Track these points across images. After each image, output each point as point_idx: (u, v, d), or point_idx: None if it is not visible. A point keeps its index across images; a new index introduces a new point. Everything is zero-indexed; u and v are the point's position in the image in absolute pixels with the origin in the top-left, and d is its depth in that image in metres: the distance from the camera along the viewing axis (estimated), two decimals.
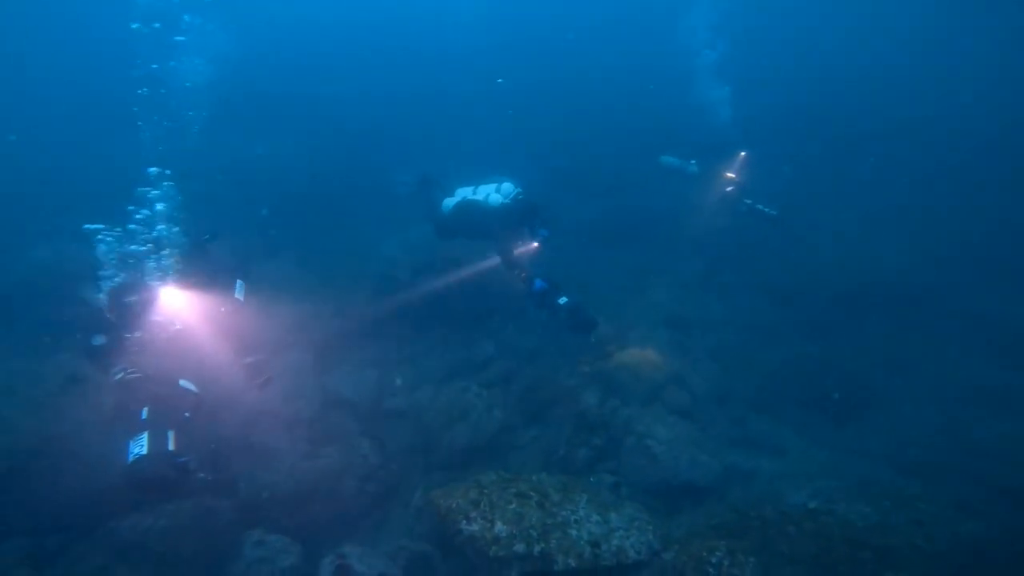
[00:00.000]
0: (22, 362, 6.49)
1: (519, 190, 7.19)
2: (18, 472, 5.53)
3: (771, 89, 15.14)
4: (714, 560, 4.51)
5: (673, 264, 9.85)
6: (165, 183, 5.74)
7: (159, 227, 5.52)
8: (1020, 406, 6.85)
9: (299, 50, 21.15)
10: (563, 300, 6.74)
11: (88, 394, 5.73)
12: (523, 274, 6.79)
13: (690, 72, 12.87)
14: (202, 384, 5.17)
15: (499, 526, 4.66)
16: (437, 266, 8.55)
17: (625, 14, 23.37)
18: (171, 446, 4.51)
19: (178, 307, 5.29)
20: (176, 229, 5.58)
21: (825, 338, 8.45)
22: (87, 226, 5.32)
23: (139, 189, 5.62)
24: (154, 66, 8.36)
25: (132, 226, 5.44)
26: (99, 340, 4.96)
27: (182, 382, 5.02)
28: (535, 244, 7.12)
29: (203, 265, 5.75)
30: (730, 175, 9.45)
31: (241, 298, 5.73)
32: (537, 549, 4.53)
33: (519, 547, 4.53)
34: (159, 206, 5.60)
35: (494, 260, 7.21)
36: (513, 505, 4.87)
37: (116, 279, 5.28)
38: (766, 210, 9.17)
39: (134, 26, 8.48)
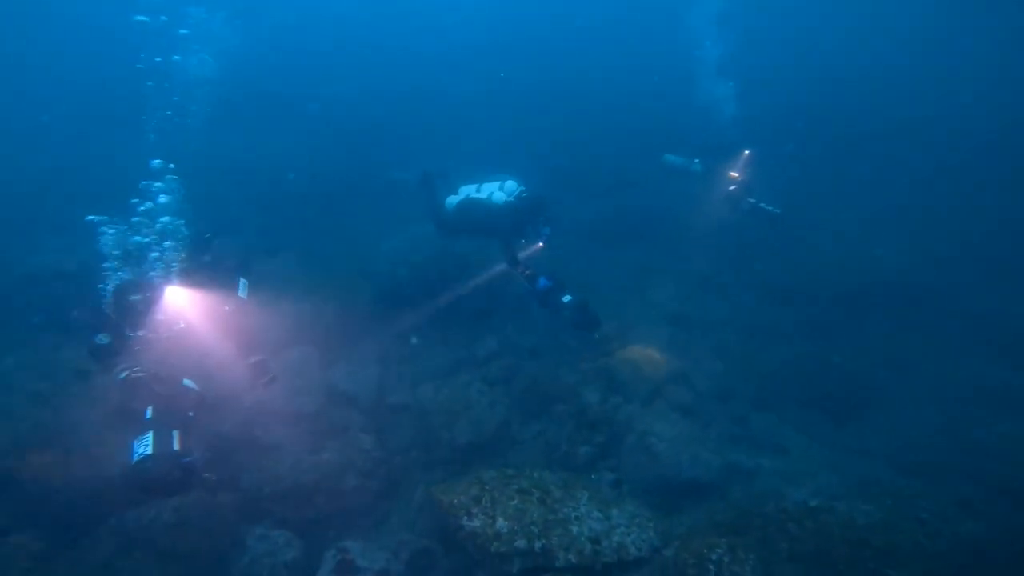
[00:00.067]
0: (28, 356, 6.53)
1: (523, 188, 7.20)
2: (24, 466, 5.55)
3: (772, 89, 15.12)
4: (715, 557, 4.53)
5: (675, 263, 9.86)
6: (168, 176, 5.74)
7: (163, 218, 5.51)
8: (1021, 406, 6.87)
9: (300, 48, 21.14)
10: (567, 298, 6.77)
11: (93, 388, 5.75)
12: (527, 272, 6.81)
13: (692, 70, 12.86)
14: (205, 383, 5.18)
15: (500, 522, 4.68)
16: (440, 266, 8.56)
17: (627, 12, 23.35)
18: (176, 446, 4.49)
19: (182, 306, 5.29)
20: (180, 222, 5.58)
21: (826, 337, 8.46)
22: (90, 217, 5.33)
23: (143, 182, 5.62)
24: (157, 59, 8.33)
25: (136, 218, 5.45)
26: (103, 339, 4.92)
27: (186, 381, 5.01)
28: (540, 244, 7.14)
29: (205, 263, 5.75)
30: (734, 174, 9.43)
31: (245, 297, 5.73)
32: (538, 545, 4.56)
33: (520, 543, 4.55)
34: (162, 198, 5.60)
35: (501, 267, 7.20)
36: (514, 501, 4.89)
37: (119, 272, 5.28)
38: (769, 208, 9.15)
39: (139, 18, 8.44)
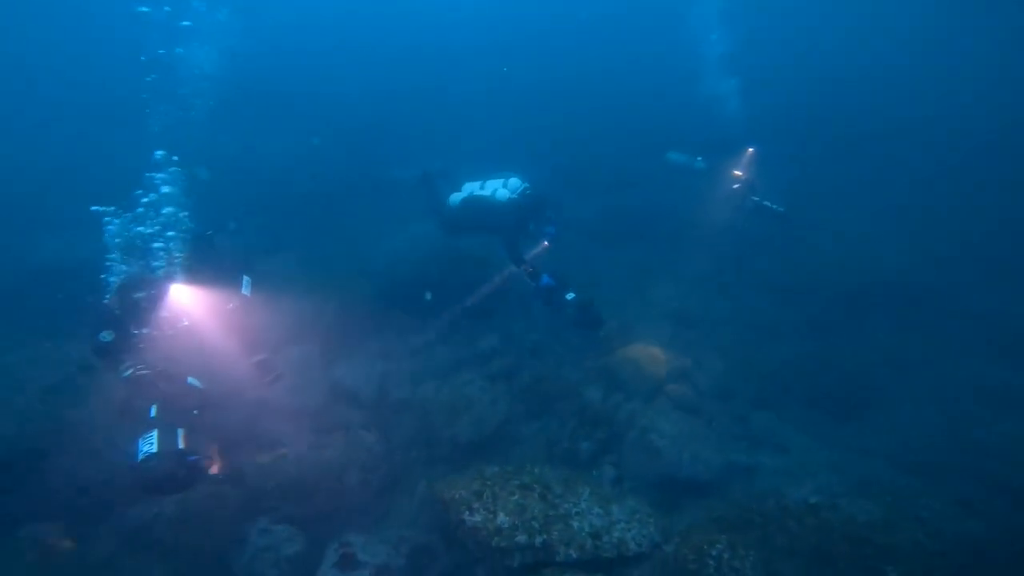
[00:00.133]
0: (34, 352, 6.55)
1: (527, 185, 7.21)
2: (30, 460, 5.59)
3: (773, 88, 15.12)
4: (714, 553, 4.56)
5: (677, 261, 9.86)
6: (171, 169, 5.75)
7: (166, 209, 5.52)
8: (1021, 405, 6.87)
9: (302, 46, 21.13)
10: (570, 296, 6.79)
11: (98, 384, 5.76)
12: (530, 270, 6.83)
13: (696, 66, 12.85)
14: (210, 380, 5.19)
15: (501, 517, 4.71)
16: (442, 263, 8.59)
17: (628, 9, 23.32)
18: (181, 444, 4.51)
19: (186, 303, 5.31)
20: (184, 214, 5.60)
21: (828, 336, 8.48)
22: (94, 208, 5.34)
23: (146, 175, 5.63)
24: (161, 52, 8.32)
25: (140, 209, 5.46)
26: (107, 336, 4.94)
27: (190, 379, 5.03)
28: (546, 244, 7.16)
29: (208, 261, 5.76)
30: (737, 172, 9.40)
31: (248, 294, 5.74)
32: (539, 540, 4.59)
33: (521, 538, 4.58)
34: (165, 188, 5.60)
35: (510, 269, 7.21)
36: (515, 497, 4.92)
37: (123, 264, 5.29)
38: (773, 207, 9.12)
39: (142, 9, 8.40)
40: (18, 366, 6.39)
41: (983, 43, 19.02)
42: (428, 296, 7.42)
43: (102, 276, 5.28)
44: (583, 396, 6.91)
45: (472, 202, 7.42)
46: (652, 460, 6.07)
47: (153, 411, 4.65)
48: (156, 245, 5.39)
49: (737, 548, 4.62)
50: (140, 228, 5.40)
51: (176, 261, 5.43)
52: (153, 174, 5.66)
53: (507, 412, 6.73)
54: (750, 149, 9.56)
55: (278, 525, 5.39)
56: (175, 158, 5.80)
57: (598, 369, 7.27)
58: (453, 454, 6.33)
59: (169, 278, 5.34)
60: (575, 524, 4.77)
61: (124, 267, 5.29)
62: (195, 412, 4.91)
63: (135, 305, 5.12)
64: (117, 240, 5.31)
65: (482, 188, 7.44)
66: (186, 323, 5.31)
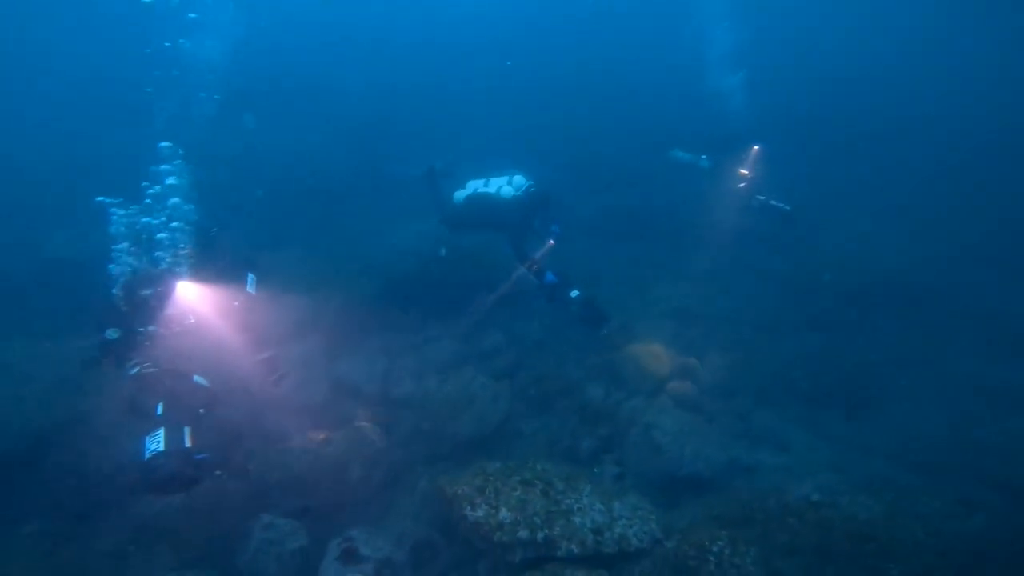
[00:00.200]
0: (40, 346, 6.60)
1: (531, 183, 7.23)
2: (37, 453, 5.64)
3: (778, 86, 15.07)
4: (715, 549, 4.56)
5: (680, 259, 9.87)
6: (177, 161, 5.77)
7: (172, 199, 5.54)
8: (1023, 404, 6.88)
9: (305, 41, 21.14)
10: (574, 293, 6.81)
11: (105, 378, 5.79)
12: (534, 267, 6.85)
13: (701, 62, 12.80)
14: (216, 378, 5.19)
15: (503, 512, 4.73)
16: (445, 260, 8.63)
17: (632, 4, 23.24)
18: (188, 442, 4.50)
19: (192, 300, 5.32)
20: (190, 206, 5.62)
21: (830, 335, 8.47)
22: (100, 198, 5.36)
23: (152, 167, 5.65)
24: (167, 44, 8.30)
25: (147, 200, 5.48)
26: (113, 334, 4.95)
27: (196, 377, 5.02)
28: (551, 243, 7.18)
29: (212, 258, 5.78)
30: (743, 171, 9.35)
31: (253, 292, 5.75)
32: (540, 535, 4.60)
33: (523, 533, 4.59)
34: (171, 179, 5.62)
35: (519, 271, 7.23)
36: (517, 492, 4.94)
37: (128, 256, 5.30)
38: (780, 205, 9.07)
39: (146, 0, 8.37)
40: (25, 360, 6.44)
41: (985, 43, 18.94)
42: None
43: (109, 266, 5.28)
44: (585, 393, 6.94)
45: (476, 199, 7.44)
46: (654, 457, 6.09)
47: (159, 409, 4.64)
48: (161, 235, 5.39)
49: (738, 545, 4.63)
50: (147, 219, 5.41)
51: (181, 255, 5.44)
52: (159, 166, 5.67)
53: (509, 409, 6.76)
54: (755, 147, 9.50)
55: (281, 519, 5.42)
56: (180, 151, 5.82)
57: (600, 366, 7.29)
58: (455, 450, 6.35)
59: (175, 275, 5.35)
60: (577, 520, 4.78)
61: (130, 259, 5.29)
62: (201, 411, 4.89)
63: (142, 302, 5.12)
64: (123, 230, 5.32)
65: (486, 185, 7.46)
66: (192, 320, 5.32)
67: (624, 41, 21.26)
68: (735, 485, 5.90)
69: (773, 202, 9.10)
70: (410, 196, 9.46)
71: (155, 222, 5.41)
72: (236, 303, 5.60)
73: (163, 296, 5.18)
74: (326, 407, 6.70)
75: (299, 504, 5.61)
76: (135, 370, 4.87)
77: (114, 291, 5.23)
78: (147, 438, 4.42)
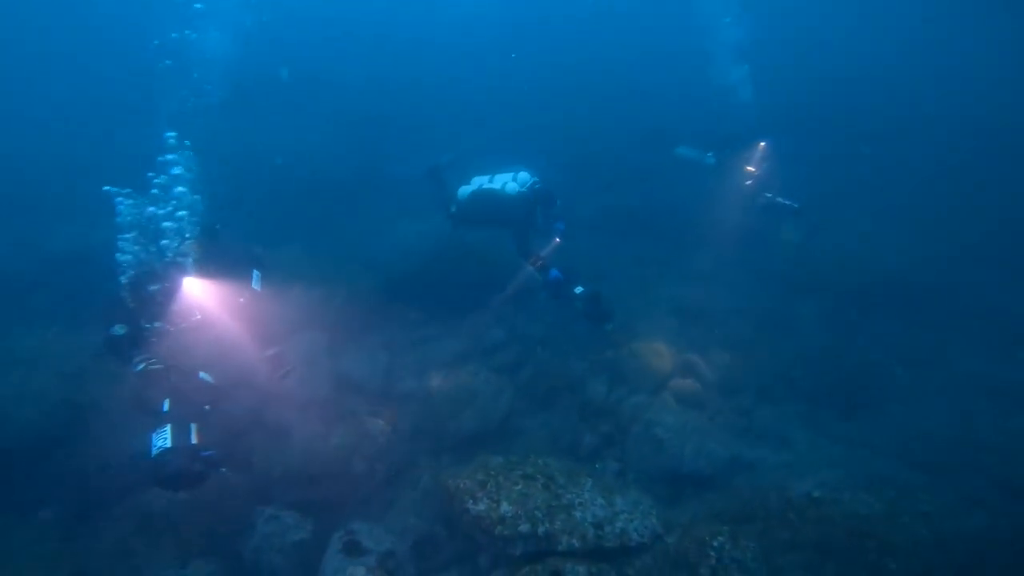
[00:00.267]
0: (51, 335, 6.68)
1: (536, 179, 7.24)
2: (45, 445, 5.70)
3: (786, 81, 14.97)
4: (716, 544, 4.58)
5: (684, 256, 9.84)
6: (184, 152, 5.80)
7: (178, 188, 5.57)
8: None
9: (308, 37, 21.16)
10: (579, 290, 6.82)
11: (112, 371, 5.84)
12: (539, 263, 6.86)
13: (706, 57, 12.72)
14: (221, 374, 5.22)
15: (505, 506, 4.75)
16: (449, 256, 8.65)
17: (638, 2, 23.12)
18: (194, 439, 4.52)
19: (198, 296, 5.35)
20: (197, 197, 5.65)
21: (835, 332, 8.44)
22: (106, 188, 5.41)
23: (159, 158, 5.68)
24: (174, 35, 8.32)
25: (154, 190, 5.52)
26: (120, 330, 4.95)
27: (202, 374, 5.05)
28: (557, 240, 7.18)
29: (216, 254, 5.80)
30: (750, 168, 9.27)
31: (258, 288, 5.78)
32: (541, 529, 4.63)
33: (524, 527, 4.62)
34: (176, 170, 5.66)
35: (527, 271, 7.24)
36: (519, 487, 4.96)
37: (136, 245, 5.33)
38: (787, 203, 8.98)
39: None
40: (33, 352, 6.51)
41: (988, 42, 18.76)
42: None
43: (116, 255, 5.32)
44: (587, 390, 6.96)
45: (481, 195, 7.45)
46: (655, 454, 6.10)
47: (166, 406, 4.67)
48: (167, 224, 5.43)
49: (739, 540, 4.65)
50: (152, 208, 5.45)
51: (186, 248, 5.47)
52: (165, 156, 5.71)
53: (511, 405, 6.77)
54: (762, 143, 9.42)
55: (285, 512, 5.48)
56: (187, 142, 5.86)
57: (603, 363, 7.29)
58: (457, 445, 6.38)
59: (181, 270, 5.37)
60: (578, 514, 4.81)
61: (136, 248, 5.31)
62: (207, 407, 4.91)
63: (149, 298, 5.13)
64: (128, 218, 5.35)
65: (491, 182, 7.47)
66: (199, 316, 5.34)
67: (626, 37, 21.17)
68: (736, 482, 5.88)
69: (780, 199, 9.03)
70: (412, 193, 9.47)
71: (161, 212, 5.44)
72: (241, 299, 5.63)
73: (170, 292, 5.19)
74: (329, 402, 6.73)
75: (302, 497, 5.65)
76: (141, 366, 4.89)
77: (122, 279, 5.23)
78: (153, 435, 4.45)
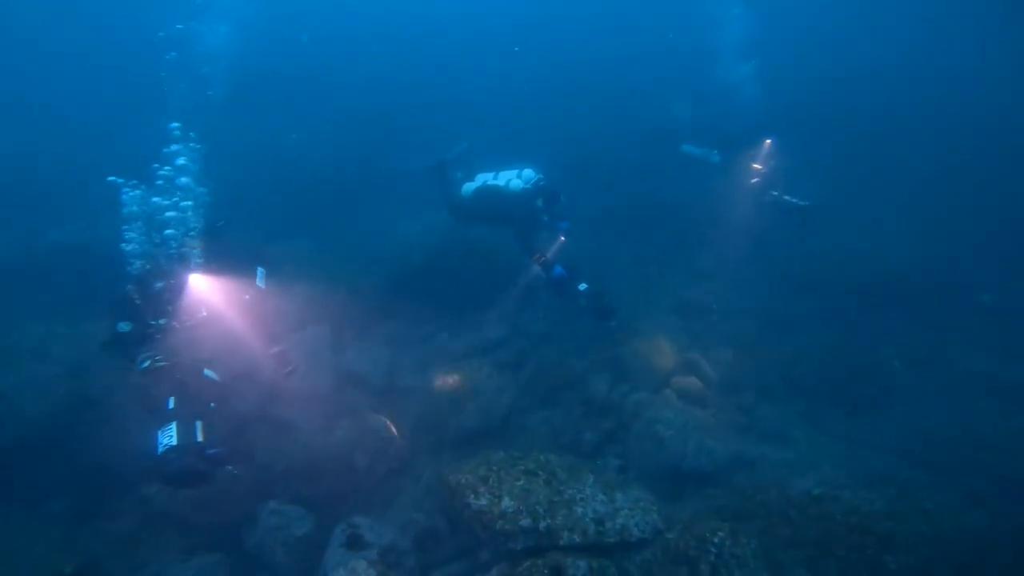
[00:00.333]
0: (59, 327, 6.73)
1: (541, 176, 7.24)
2: (55, 437, 5.75)
3: (794, 77, 14.89)
4: (716, 540, 4.59)
5: (688, 253, 9.85)
6: (190, 143, 5.83)
7: (182, 179, 5.59)
8: None
9: (314, 34, 21.17)
10: (583, 287, 6.83)
11: (119, 365, 5.87)
12: (543, 260, 6.88)
13: (712, 53, 12.65)
14: (225, 371, 5.25)
15: (506, 501, 4.78)
16: (453, 252, 8.67)
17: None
18: (200, 437, 4.53)
19: (204, 293, 5.37)
20: (203, 189, 5.67)
21: (838, 330, 8.43)
22: (111, 178, 5.43)
23: (164, 149, 5.71)
24: (179, 26, 8.31)
25: (159, 182, 5.55)
26: (125, 327, 4.96)
27: (206, 372, 5.06)
28: (562, 239, 7.19)
29: (220, 251, 5.84)
30: (757, 166, 9.20)
31: (263, 286, 5.80)
32: (543, 524, 4.65)
33: (525, 522, 4.64)
34: (181, 160, 5.68)
35: (534, 271, 7.24)
36: (521, 482, 4.98)
37: (140, 234, 5.35)
38: (794, 201, 8.91)
39: None
40: (41, 345, 6.55)
41: (994, 42, 18.62)
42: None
43: (121, 245, 5.34)
44: (589, 387, 6.99)
45: (485, 192, 7.45)
46: (657, 450, 6.11)
47: (171, 403, 4.68)
48: (170, 214, 5.45)
49: (739, 537, 4.66)
50: (156, 199, 5.47)
51: (192, 246, 5.50)
52: (170, 147, 5.74)
53: (514, 401, 6.81)
54: (768, 141, 9.34)
55: (288, 506, 5.52)
56: (192, 134, 5.89)
57: (605, 360, 7.32)
58: (460, 441, 6.42)
59: (187, 267, 5.40)
60: (579, 510, 4.82)
61: (142, 238, 5.33)
62: (212, 405, 4.93)
63: (156, 295, 5.15)
64: (133, 208, 5.37)
65: (496, 178, 7.47)
66: (205, 313, 5.36)
67: (631, 33, 21.08)
68: (737, 479, 5.91)
69: (787, 197, 8.95)
70: (415, 190, 9.48)
71: (166, 202, 5.47)
72: (247, 297, 5.66)
73: (176, 289, 5.22)
74: (332, 397, 6.77)
75: (305, 492, 5.69)
76: (146, 363, 4.89)
77: (129, 270, 5.26)
78: (159, 432, 4.46)
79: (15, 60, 19.27)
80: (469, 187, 7.63)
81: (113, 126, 13.30)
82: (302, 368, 6.05)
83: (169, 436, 4.43)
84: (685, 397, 6.88)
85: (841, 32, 20.64)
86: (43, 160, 12.47)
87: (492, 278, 8.18)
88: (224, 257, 5.68)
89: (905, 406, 7.11)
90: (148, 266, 5.38)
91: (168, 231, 5.39)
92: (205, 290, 5.36)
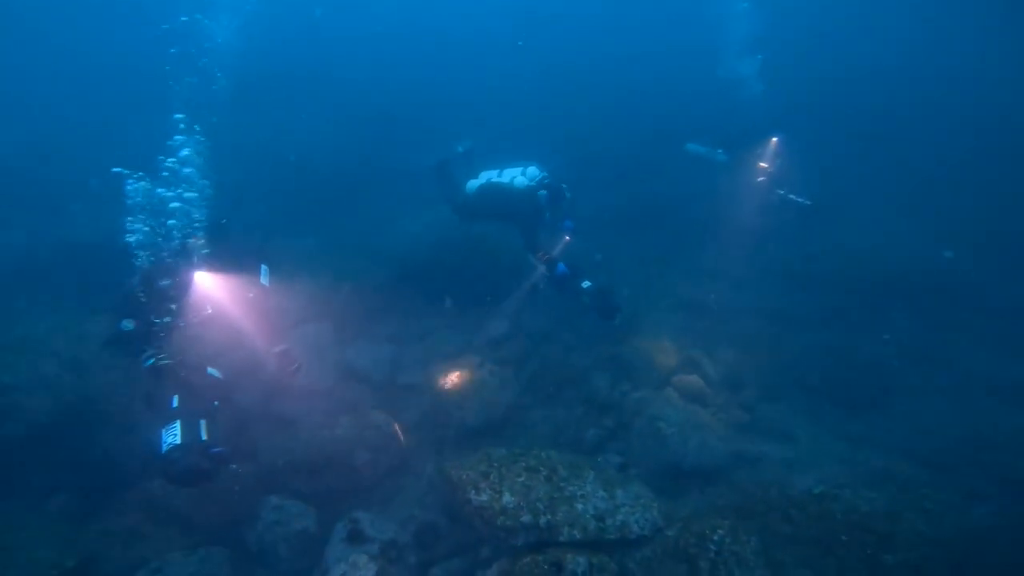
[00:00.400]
0: (63, 322, 6.75)
1: (545, 174, 7.25)
2: (60, 431, 5.78)
3: (799, 74, 14.85)
4: (716, 538, 4.60)
5: (691, 251, 9.84)
6: (194, 136, 5.84)
7: (187, 170, 5.60)
8: None
9: (318, 32, 21.18)
10: (586, 284, 6.84)
11: (124, 360, 5.88)
12: (546, 257, 6.88)
13: (718, 50, 12.64)
14: (229, 369, 5.23)
15: (507, 497, 4.78)
16: (457, 249, 8.68)
17: None
18: (204, 435, 4.53)
19: (209, 291, 5.38)
20: (206, 182, 5.68)
21: (842, 329, 8.43)
22: (116, 169, 5.44)
23: (168, 141, 5.72)
24: (184, 19, 8.30)
25: (164, 174, 5.56)
26: (128, 325, 4.95)
27: (210, 370, 5.05)
28: (567, 239, 7.20)
29: (224, 248, 5.83)
30: (763, 165, 9.18)
31: (266, 284, 5.81)
32: (543, 520, 4.66)
33: (526, 518, 4.65)
34: (185, 151, 5.68)
35: (540, 271, 7.26)
36: (522, 478, 4.99)
37: (145, 226, 5.35)
38: (799, 200, 8.91)
39: None
40: (48, 336, 6.57)
41: (994, 41, 18.53)
42: (448, 303, 7.58)
43: (126, 237, 5.35)
44: (591, 384, 6.99)
45: (489, 189, 7.46)
46: (658, 448, 6.12)
47: (175, 401, 4.68)
48: (174, 205, 5.45)
49: (739, 534, 4.66)
50: (161, 190, 5.48)
51: (196, 243, 5.52)
52: (174, 138, 5.74)
53: (516, 398, 6.82)
54: (774, 139, 9.33)
55: (289, 501, 5.54)
56: (197, 127, 5.90)
57: (607, 358, 7.32)
58: (461, 437, 6.43)
59: (192, 264, 5.39)
60: (579, 506, 4.84)
61: (146, 229, 5.34)
62: (216, 403, 4.92)
63: (160, 293, 5.15)
64: (138, 200, 5.37)
65: (500, 176, 7.49)
66: (209, 311, 5.37)
67: (635, 31, 21.03)
68: (738, 477, 5.91)
69: (792, 196, 8.94)
70: (419, 186, 9.48)
71: (170, 193, 5.47)
72: (251, 294, 5.67)
73: (181, 287, 5.22)
74: (334, 393, 6.79)
75: (307, 487, 5.71)
76: (150, 361, 4.90)
77: (135, 262, 5.26)
78: (163, 431, 4.46)
79: (15, 59, 19.30)
80: (473, 184, 7.64)
81: (117, 122, 13.32)
82: (305, 366, 6.07)
83: (173, 435, 4.43)
84: (687, 395, 6.88)
85: (842, 31, 20.56)
86: (45, 157, 12.49)
87: (494, 276, 8.20)
88: (228, 254, 5.69)
89: (907, 404, 7.10)
90: (153, 259, 5.38)
91: (171, 221, 5.38)
92: (210, 287, 5.36)
